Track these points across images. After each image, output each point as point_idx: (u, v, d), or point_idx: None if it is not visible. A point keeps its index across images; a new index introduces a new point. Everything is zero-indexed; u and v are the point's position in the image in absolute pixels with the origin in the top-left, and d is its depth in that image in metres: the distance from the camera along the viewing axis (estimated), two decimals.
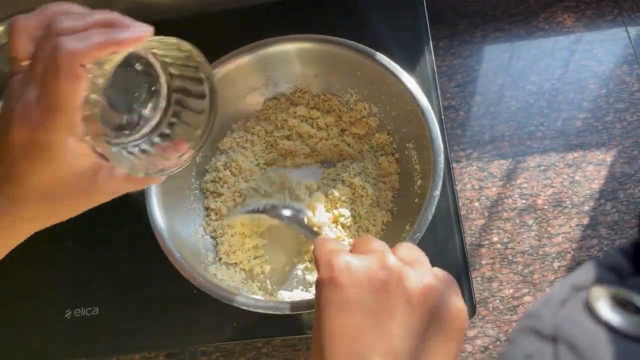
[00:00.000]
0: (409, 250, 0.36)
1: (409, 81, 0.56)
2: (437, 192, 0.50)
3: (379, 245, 0.37)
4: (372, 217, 0.60)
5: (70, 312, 0.62)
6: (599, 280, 0.23)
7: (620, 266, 0.23)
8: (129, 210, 0.67)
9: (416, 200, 0.54)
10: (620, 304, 0.21)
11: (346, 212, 0.60)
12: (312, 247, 0.41)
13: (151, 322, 0.61)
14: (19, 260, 0.65)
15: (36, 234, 0.67)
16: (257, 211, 0.60)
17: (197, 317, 0.60)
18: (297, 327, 0.58)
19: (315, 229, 0.59)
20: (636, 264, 0.23)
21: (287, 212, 0.59)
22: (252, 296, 0.51)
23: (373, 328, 0.32)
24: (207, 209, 0.63)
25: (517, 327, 0.23)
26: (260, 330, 0.59)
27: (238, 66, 0.60)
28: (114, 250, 0.65)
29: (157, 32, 0.34)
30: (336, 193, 0.60)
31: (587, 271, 0.23)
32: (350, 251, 0.37)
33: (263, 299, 0.51)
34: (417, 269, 0.34)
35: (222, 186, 0.63)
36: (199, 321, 0.60)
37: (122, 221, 0.66)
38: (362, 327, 0.32)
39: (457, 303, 0.34)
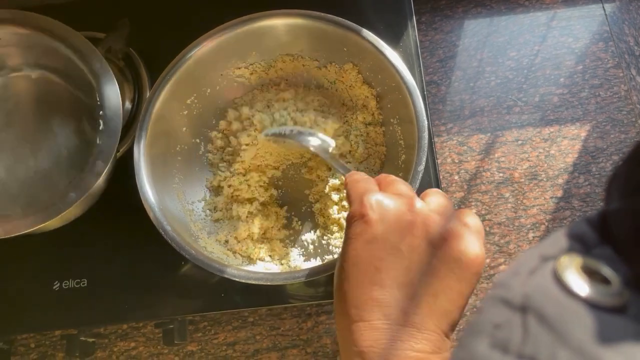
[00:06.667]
0: (437, 197, 0.39)
1: (394, 57, 0.56)
2: (422, 167, 0.51)
3: (407, 189, 0.40)
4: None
5: (59, 284, 0.62)
6: (567, 251, 0.23)
7: (586, 236, 0.23)
8: (117, 181, 0.67)
9: (400, 175, 0.55)
10: (588, 274, 0.21)
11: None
12: (345, 181, 0.43)
13: (139, 293, 0.61)
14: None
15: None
16: (283, 135, 0.59)
17: (184, 287, 0.61)
18: (283, 297, 0.60)
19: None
20: (602, 234, 0.23)
21: (314, 141, 0.58)
22: (242, 268, 0.52)
23: (395, 262, 0.36)
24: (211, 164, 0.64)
25: (486, 297, 0.23)
26: (247, 300, 0.60)
27: (225, 40, 0.59)
28: (101, 222, 0.64)
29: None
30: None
31: (554, 241, 0.24)
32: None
33: (253, 270, 0.52)
34: (442, 215, 0.37)
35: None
36: (187, 291, 0.61)
37: (109, 193, 0.66)
38: (386, 260, 0.36)
39: (475, 248, 0.35)
